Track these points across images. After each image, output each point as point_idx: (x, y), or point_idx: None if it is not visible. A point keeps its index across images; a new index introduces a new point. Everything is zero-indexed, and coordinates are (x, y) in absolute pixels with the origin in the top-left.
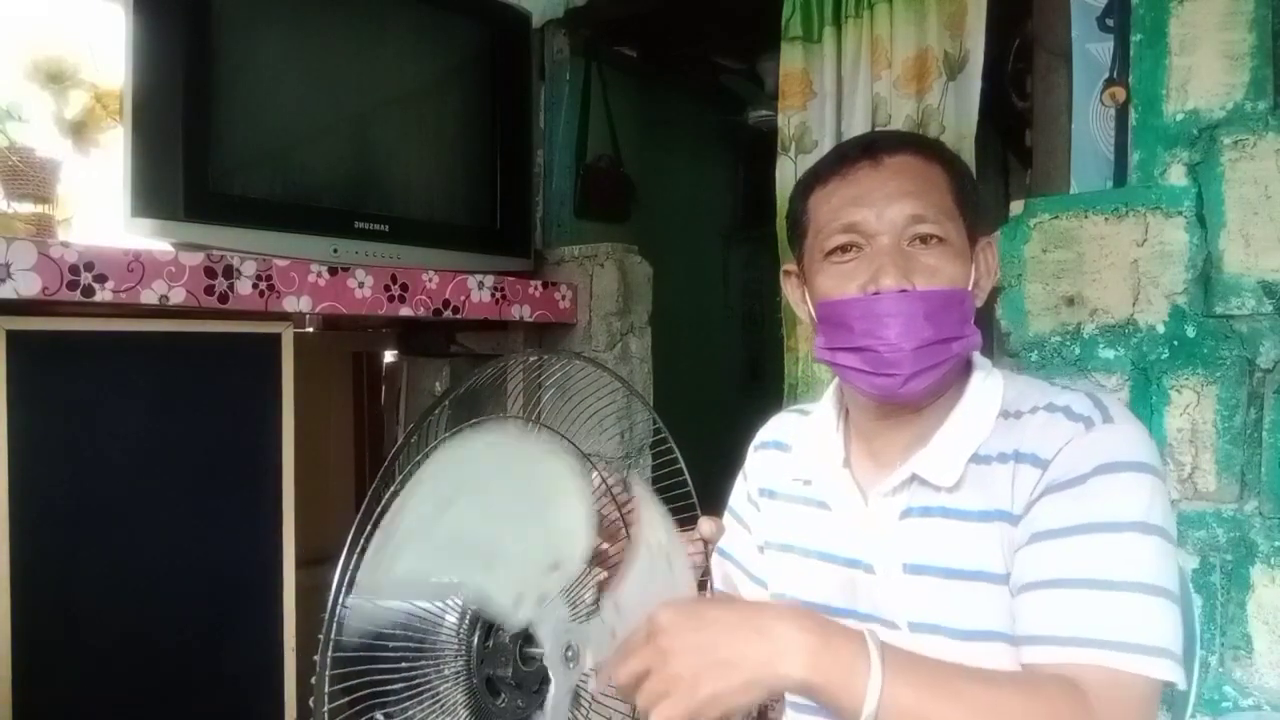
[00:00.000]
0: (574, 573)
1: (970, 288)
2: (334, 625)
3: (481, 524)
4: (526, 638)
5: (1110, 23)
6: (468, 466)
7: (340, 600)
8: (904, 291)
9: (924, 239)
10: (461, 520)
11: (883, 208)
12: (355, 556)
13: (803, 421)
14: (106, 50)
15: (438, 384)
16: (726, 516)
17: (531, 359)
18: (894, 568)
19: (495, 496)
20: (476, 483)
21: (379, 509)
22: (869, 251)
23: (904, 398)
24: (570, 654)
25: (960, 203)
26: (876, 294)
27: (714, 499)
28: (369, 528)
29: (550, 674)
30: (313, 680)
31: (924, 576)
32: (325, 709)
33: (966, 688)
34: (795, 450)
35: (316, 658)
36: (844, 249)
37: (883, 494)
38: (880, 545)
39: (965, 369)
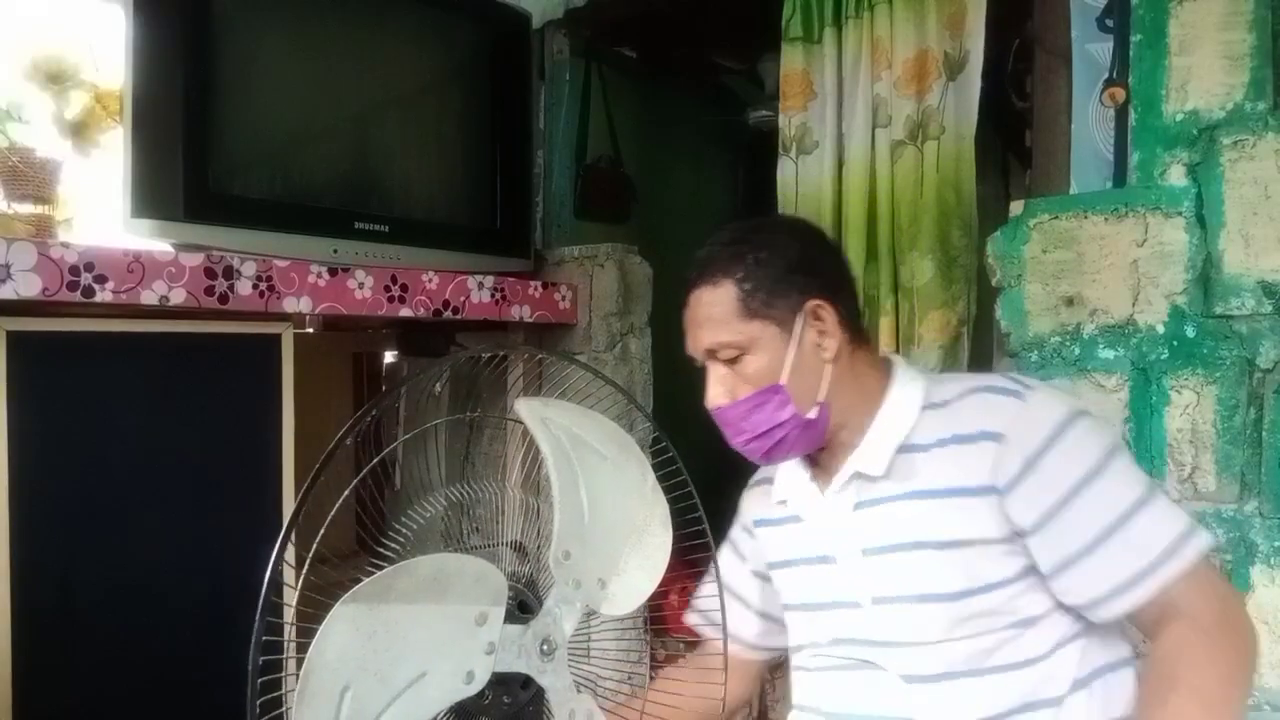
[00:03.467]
0: (503, 606)
1: (786, 373)
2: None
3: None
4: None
5: (1110, 23)
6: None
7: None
8: (719, 408)
9: (726, 359)
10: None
11: (694, 338)
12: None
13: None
14: (106, 50)
15: (437, 385)
16: (724, 549)
17: (486, 356)
18: (854, 554)
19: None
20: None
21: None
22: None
23: (778, 460)
24: (547, 648)
25: (755, 305)
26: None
27: (716, 500)
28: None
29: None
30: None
31: (880, 556)
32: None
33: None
34: (777, 482)
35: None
36: (700, 363)
37: (835, 492)
38: (840, 537)
39: (880, 382)
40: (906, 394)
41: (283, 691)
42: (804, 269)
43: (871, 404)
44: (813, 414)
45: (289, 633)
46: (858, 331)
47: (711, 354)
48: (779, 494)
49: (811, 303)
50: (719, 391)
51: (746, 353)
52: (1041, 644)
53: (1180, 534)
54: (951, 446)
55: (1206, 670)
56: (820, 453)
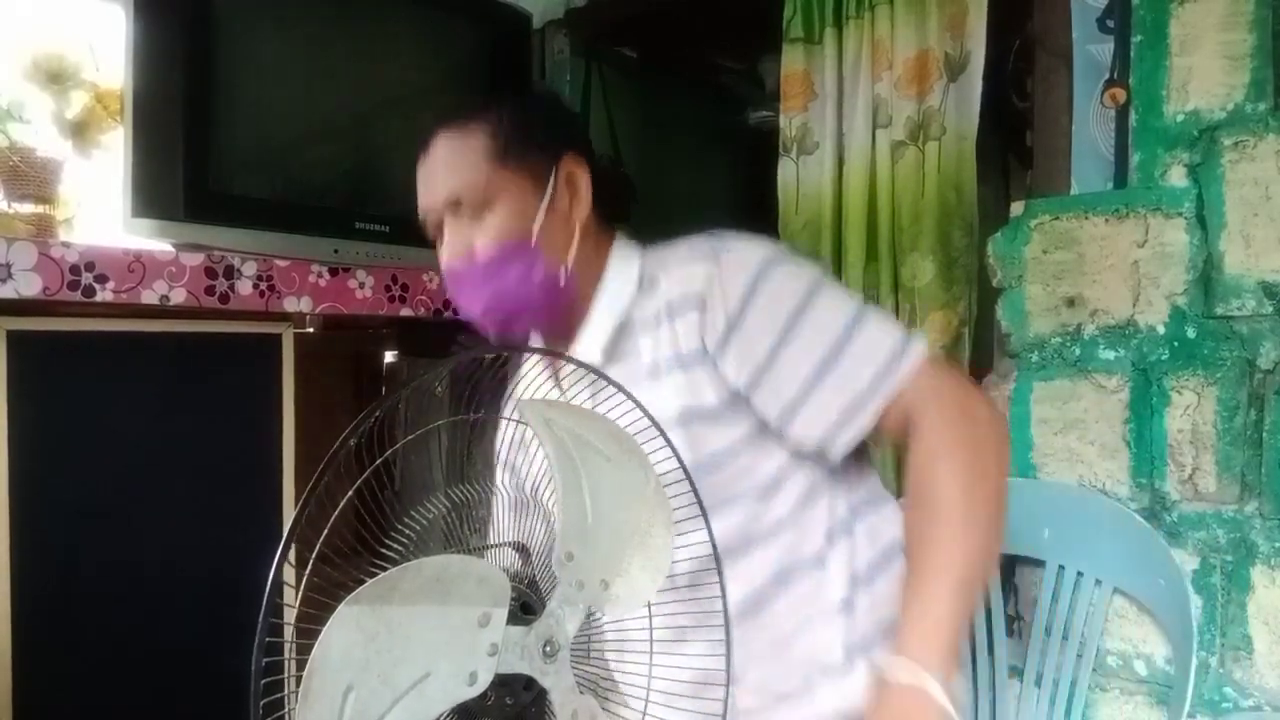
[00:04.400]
0: (506, 607)
1: (537, 231)
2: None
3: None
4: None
5: (1111, 24)
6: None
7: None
8: (456, 267)
9: (469, 214)
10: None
11: (432, 190)
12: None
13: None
14: (107, 50)
15: (438, 385)
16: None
17: (489, 356)
18: None
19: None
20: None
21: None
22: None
23: (515, 333)
24: (549, 649)
25: (509, 153)
26: (447, 268)
27: None
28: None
29: (540, 682)
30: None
31: None
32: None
33: (941, 578)
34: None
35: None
36: (434, 229)
37: (570, 384)
38: None
39: (605, 258)
40: (620, 278)
41: (285, 692)
42: (563, 124)
43: (596, 278)
44: (562, 280)
45: (290, 634)
46: (597, 201)
47: (453, 207)
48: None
49: (569, 158)
50: (459, 249)
51: (494, 205)
52: (787, 505)
53: (893, 348)
54: (665, 321)
55: (951, 486)
56: (555, 339)
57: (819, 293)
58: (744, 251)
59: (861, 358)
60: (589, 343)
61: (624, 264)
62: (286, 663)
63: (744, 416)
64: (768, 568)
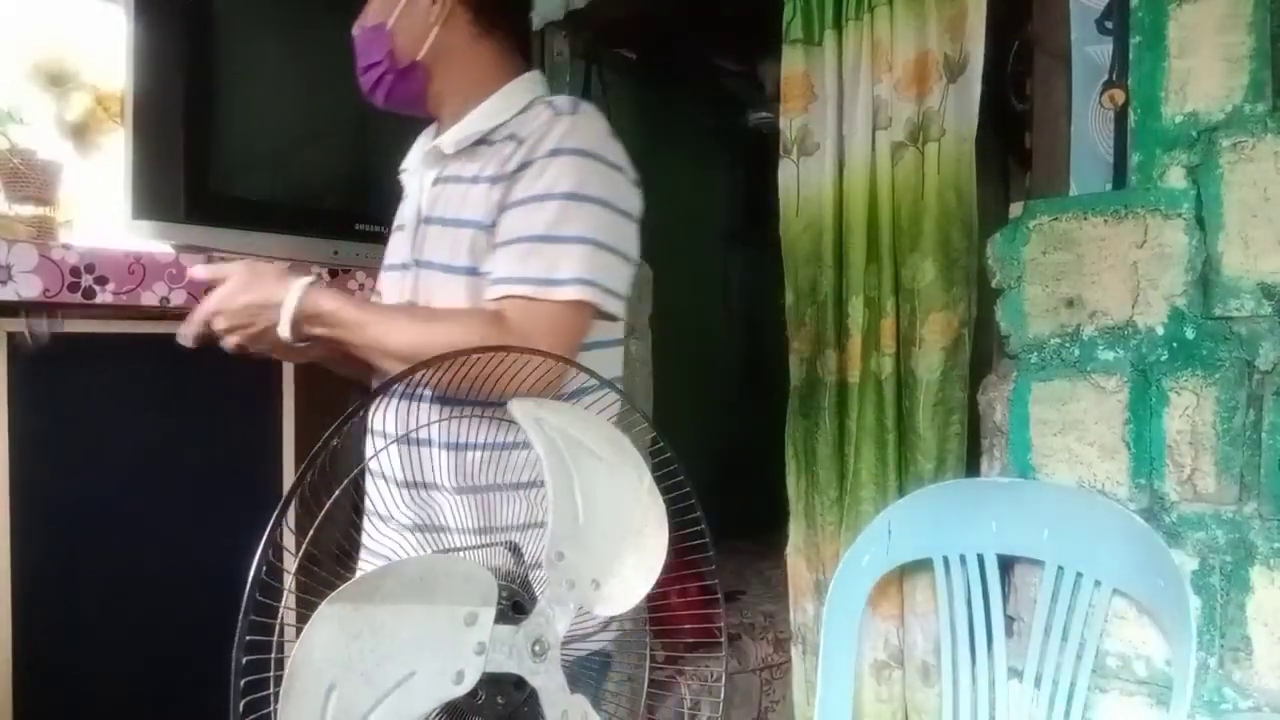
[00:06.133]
0: (494, 606)
1: (393, 19)
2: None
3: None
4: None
5: (1109, 25)
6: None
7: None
8: (354, 32)
9: None
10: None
11: None
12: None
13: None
14: (107, 52)
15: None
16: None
17: (474, 356)
18: (417, 221)
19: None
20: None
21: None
22: None
23: (389, 106)
24: (539, 648)
25: None
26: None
27: (718, 501)
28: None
29: (529, 681)
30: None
31: (426, 226)
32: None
33: (390, 312)
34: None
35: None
36: None
37: (425, 166)
38: (414, 205)
39: (499, 81)
40: (513, 95)
41: (269, 691)
42: None
43: (479, 92)
44: (404, 66)
45: (277, 632)
46: (494, 27)
47: None
48: (404, 164)
49: None
50: (370, 14)
51: None
52: None
53: (566, 278)
54: (505, 143)
55: (435, 335)
56: (437, 125)
57: (579, 201)
58: (582, 130)
59: (546, 263)
60: (447, 138)
61: (519, 92)
62: (272, 661)
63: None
64: None
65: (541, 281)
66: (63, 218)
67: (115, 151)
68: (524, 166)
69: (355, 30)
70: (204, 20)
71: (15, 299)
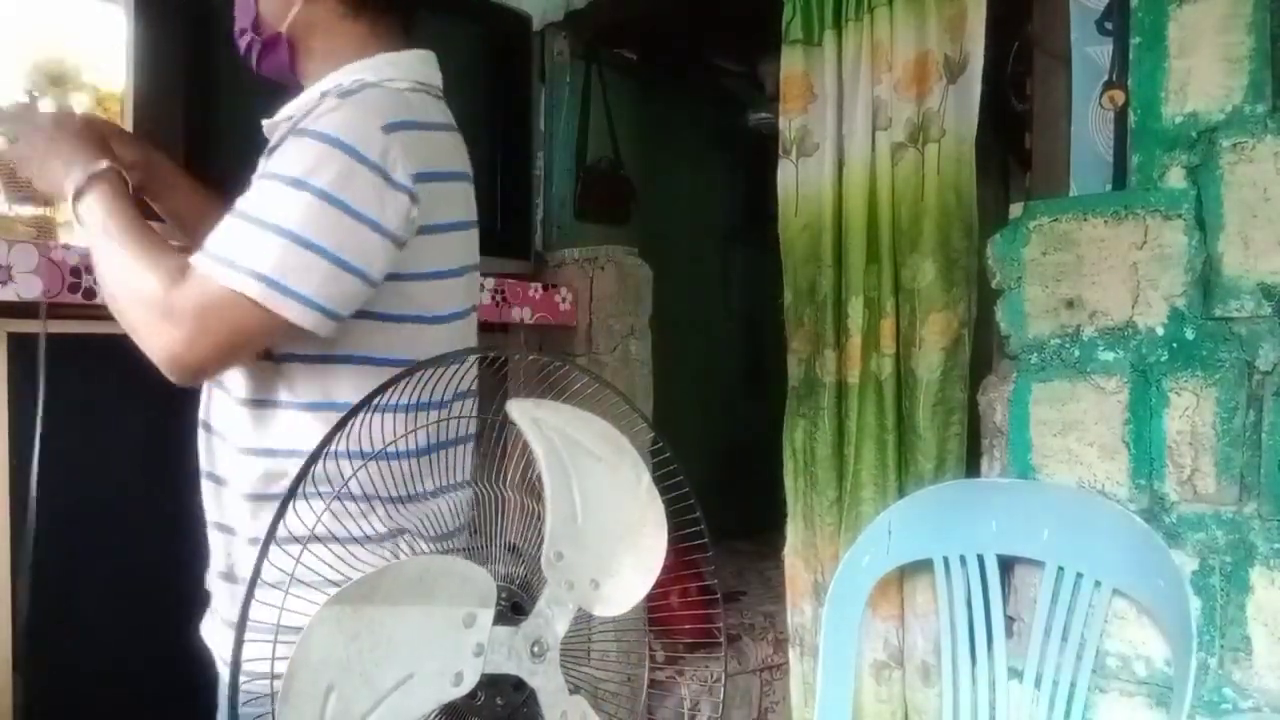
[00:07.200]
0: (492, 607)
1: None
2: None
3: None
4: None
5: (1109, 26)
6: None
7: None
8: None
9: None
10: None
11: None
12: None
13: None
14: (107, 52)
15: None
16: None
17: (472, 358)
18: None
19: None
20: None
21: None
22: None
23: (263, 73)
24: (538, 649)
25: None
26: None
27: (718, 501)
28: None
29: (529, 682)
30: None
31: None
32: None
33: (141, 228)
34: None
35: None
36: None
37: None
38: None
39: (350, 60)
40: (351, 71)
41: (269, 692)
42: None
43: (327, 69)
44: (269, 36)
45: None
46: (363, 7)
47: None
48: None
49: None
50: None
51: None
52: None
53: (247, 268)
54: (286, 124)
55: (146, 280)
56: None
57: (299, 188)
58: (335, 113)
59: (239, 245)
60: (283, 111)
61: (360, 69)
62: (272, 662)
63: None
64: None
65: (220, 260)
66: (63, 218)
67: None
68: (278, 145)
69: None
70: (204, 20)
71: (15, 299)
